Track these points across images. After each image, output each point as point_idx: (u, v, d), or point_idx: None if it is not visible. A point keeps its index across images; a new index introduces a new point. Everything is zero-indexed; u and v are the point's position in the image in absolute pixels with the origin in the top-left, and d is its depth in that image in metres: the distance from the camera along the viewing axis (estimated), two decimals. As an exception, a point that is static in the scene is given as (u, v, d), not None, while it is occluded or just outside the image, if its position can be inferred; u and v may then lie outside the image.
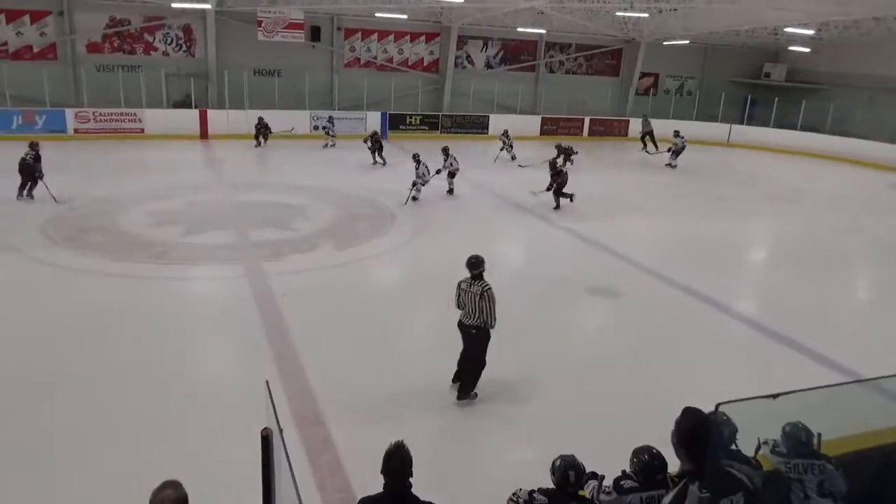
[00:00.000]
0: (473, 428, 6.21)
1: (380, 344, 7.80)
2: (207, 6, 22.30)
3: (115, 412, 6.04)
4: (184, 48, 24.35)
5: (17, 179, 12.86)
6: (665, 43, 29.23)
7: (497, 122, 26.26)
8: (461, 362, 6.53)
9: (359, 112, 24.97)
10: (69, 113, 21.18)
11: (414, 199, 14.55)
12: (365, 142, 19.65)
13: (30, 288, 9.14)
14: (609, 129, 28.42)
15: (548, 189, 14.72)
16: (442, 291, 9.72)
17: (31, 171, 12.70)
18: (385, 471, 3.41)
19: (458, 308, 6.41)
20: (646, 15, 23.93)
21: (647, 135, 24.92)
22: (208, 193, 14.86)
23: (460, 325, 6.39)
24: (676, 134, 21.26)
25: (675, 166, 20.82)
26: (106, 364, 6.99)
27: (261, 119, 21.24)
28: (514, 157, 20.57)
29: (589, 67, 30.62)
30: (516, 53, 29.02)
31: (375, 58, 26.83)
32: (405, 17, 24.93)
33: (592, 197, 16.48)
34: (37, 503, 4.88)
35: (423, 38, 27.37)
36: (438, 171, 15.24)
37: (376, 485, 3.44)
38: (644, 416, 5.40)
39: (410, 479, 3.43)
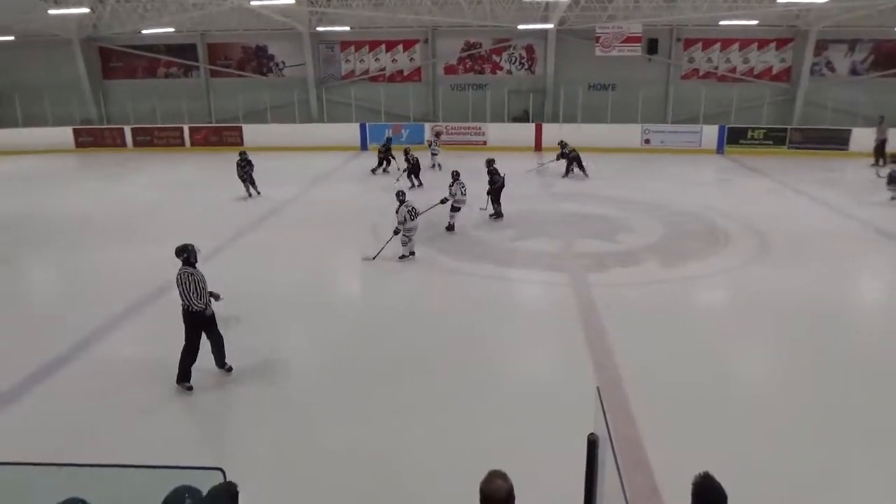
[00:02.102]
0: (828, 465, 5.42)
1: (704, 369, 7.29)
2: (550, 26, 23.47)
3: (448, 396, 6.69)
4: (525, 66, 26.02)
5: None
6: None
7: (861, 137, 22.65)
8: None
9: (694, 126, 23.84)
10: (427, 127, 24.27)
11: (450, 227, 12.72)
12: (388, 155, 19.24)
13: (380, 273, 10.67)
14: None
15: (487, 194, 13.84)
16: (775, 323, 8.81)
17: (241, 173, 16.11)
18: (697, 502, 3.16)
19: None
20: None
21: (882, 144, 19.77)
22: (539, 202, 15.63)
23: None
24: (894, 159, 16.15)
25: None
26: (446, 352, 7.77)
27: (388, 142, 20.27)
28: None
29: None
30: (894, 57, 24.66)
31: (716, 68, 25.32)
32: (755, 22, 23.05)
33: None
34: (386, 471, 5.66)
35: (773, 44, 24.97)
36: (443, 201, 12.64)
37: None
38: None
39: None
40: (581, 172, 18.87)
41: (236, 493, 2.92)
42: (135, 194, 17.40)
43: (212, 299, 6.86)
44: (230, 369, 7.08)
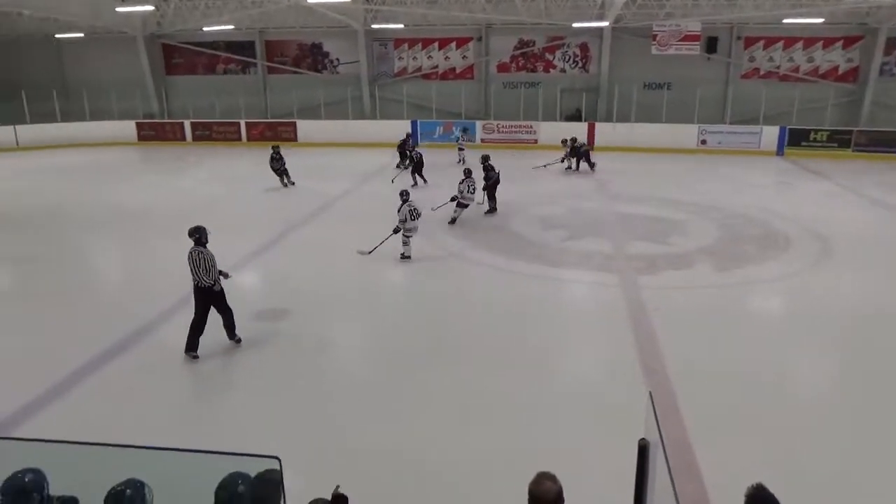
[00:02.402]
0: (887, 476, 5.21)
1: (758, 376, 7.08)
2: (605, 24, 23.14)
3: (492, 394, 6.67)
4: (579, 65, 25.73)
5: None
6: None
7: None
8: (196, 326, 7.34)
9: (753, 126, 23.15)
10: (478, 125, 24.26)
11: (452, 221, 13.21)
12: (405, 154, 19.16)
13: (433, 271, 10.78)
14: None
15: (483, 189, 14.01)
16: (835, 330, 8.48)
17: (275, 166, 17.00)
18: None
19: None
20: None
21: None
22: (590, 202, 15.44)
23: None
24: None
25: None
26: (484, 347, 7.79)
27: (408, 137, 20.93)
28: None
29: None
30: (970, 56, 23.45)
31: (778, 67, 24.53)
32: (820, 20, 22.22)
33: None
34: (422, 460, 5.68)
35: (839, 43, 24.04)
36: (453, 199, 13.24)
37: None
38: None
39: None
40: (588, 167, 19.42)
41: (280, 480, 2.99)
42: (193, 188, 17.92)
43: (221, 277, 7.43)
44: (239, 341, 7.67)
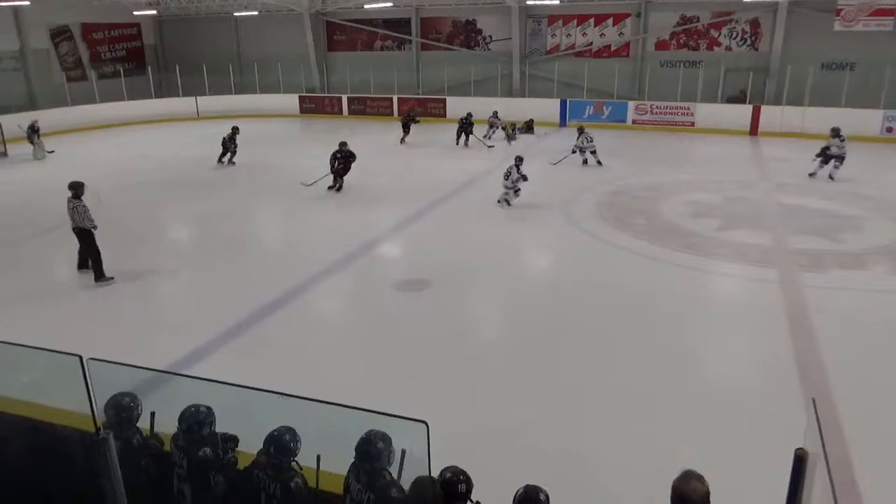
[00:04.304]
0: None
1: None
2: (782, -3, 21.26)
3: (635, 387, 6.46)
4: (748, 42, 23.87)
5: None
6: None
7: None
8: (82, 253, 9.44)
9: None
10: (630, 105, 23.35)
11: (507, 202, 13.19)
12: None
13: (576, 254, 10.61)
14: None
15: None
16: None
17: (224, 145, 17.68)
18: None
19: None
20: None
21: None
22: (750, 191, 14.37)
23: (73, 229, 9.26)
24: (836, 133, 15.26)
25: (815, 174, 15.37)
26: (625, 336, 7.56)
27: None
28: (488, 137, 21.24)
29: None
30: None
31: None
32: None
33: None
34: (566, 454, 5.63)
35: None
36: (581, 151, 16.85)
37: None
38: None
39: None
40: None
41: (427, 444, 3.12)
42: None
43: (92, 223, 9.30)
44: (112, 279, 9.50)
